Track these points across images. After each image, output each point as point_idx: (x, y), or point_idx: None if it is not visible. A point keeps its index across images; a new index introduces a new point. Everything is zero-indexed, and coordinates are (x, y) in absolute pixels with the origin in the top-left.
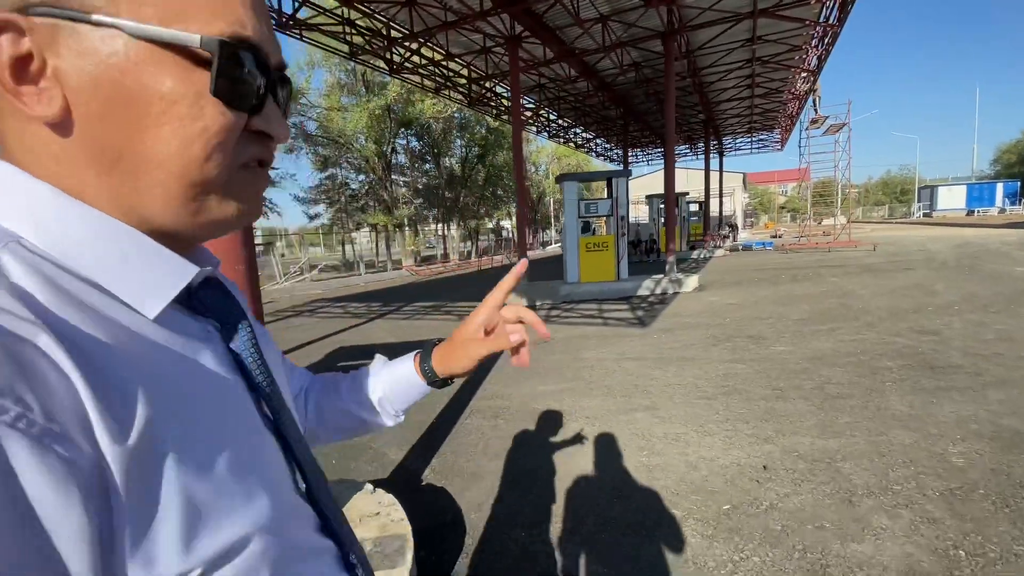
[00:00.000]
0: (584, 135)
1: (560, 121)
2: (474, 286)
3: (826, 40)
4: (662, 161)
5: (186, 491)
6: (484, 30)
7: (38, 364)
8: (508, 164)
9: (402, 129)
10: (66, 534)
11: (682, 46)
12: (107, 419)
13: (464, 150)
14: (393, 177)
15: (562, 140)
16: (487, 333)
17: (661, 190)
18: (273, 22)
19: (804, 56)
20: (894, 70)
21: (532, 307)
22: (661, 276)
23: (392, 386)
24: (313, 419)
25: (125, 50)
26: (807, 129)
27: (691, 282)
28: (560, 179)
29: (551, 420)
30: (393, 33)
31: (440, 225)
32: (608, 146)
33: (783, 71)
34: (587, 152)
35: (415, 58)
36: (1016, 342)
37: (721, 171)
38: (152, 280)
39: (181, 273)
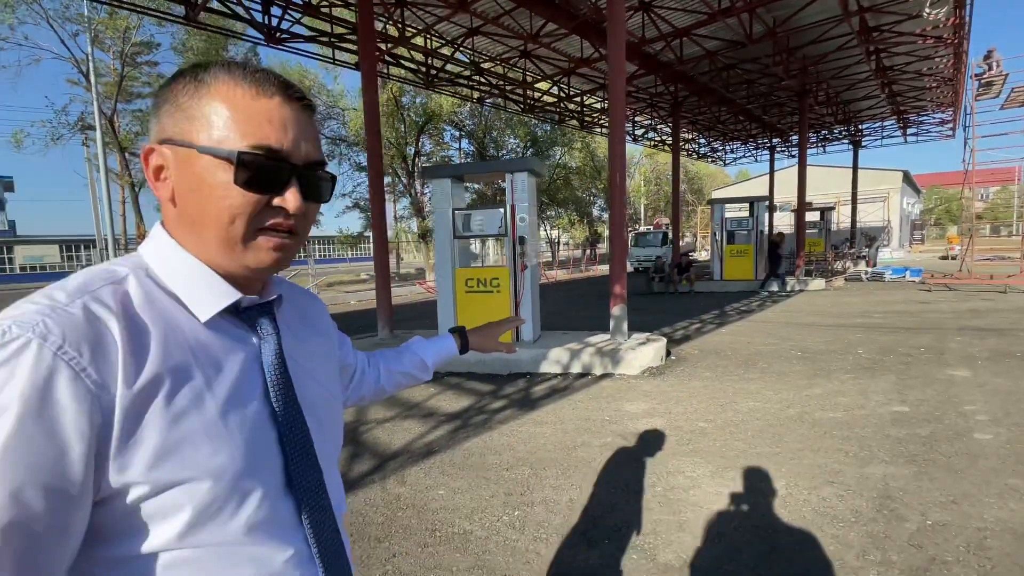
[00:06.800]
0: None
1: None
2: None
3: None
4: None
5: (160, 431)
6: None
7: (104, 336)
8: (582, 164)
9: (429, 126)
10: (73, 428)
11: None
12: (127, 372)
13: (521, 150)
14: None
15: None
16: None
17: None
18: None
19: None
20: None
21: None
22: (604, 338)
23: (439, 354)
24: (384, 379)
25: (198, 160)
26: (976, 98)
27: (643, 356)
28: (426, 173)
29: None
30: None
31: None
32: (704, 141)
33: None
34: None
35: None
36: None
37: (855, 167)
38: (208, 299)
39: (228, 296)
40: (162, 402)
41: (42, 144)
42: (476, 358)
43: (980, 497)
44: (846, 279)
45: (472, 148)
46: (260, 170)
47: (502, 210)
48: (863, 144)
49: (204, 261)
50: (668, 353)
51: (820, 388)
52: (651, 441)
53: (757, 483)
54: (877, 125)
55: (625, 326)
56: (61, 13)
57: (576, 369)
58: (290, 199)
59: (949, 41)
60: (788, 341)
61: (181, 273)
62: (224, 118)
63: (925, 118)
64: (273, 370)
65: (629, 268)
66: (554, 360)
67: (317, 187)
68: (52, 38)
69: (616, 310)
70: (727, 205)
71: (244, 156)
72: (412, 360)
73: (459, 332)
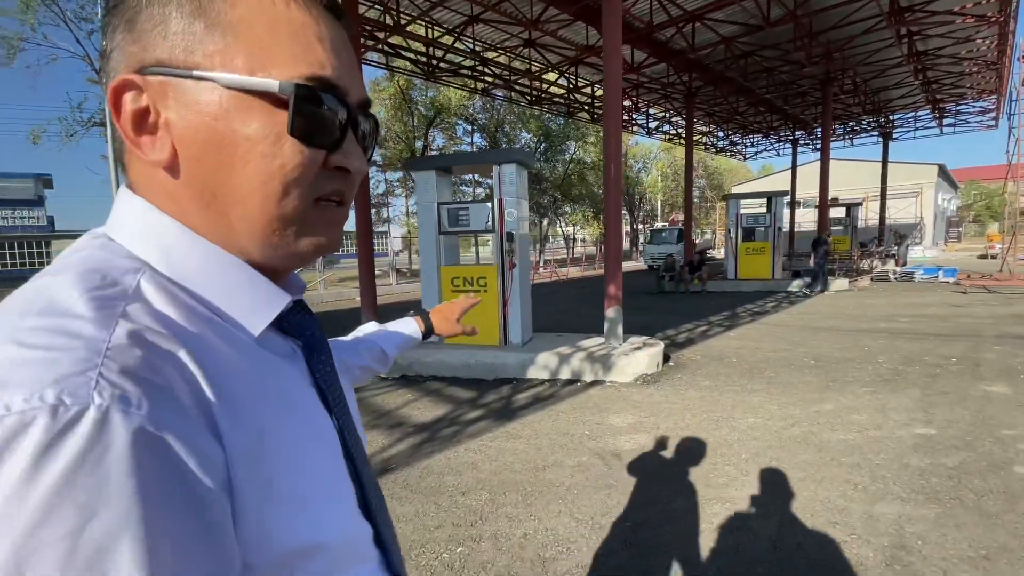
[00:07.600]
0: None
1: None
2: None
3: None
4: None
5: (281, 487)
6: None
7: (176, 376)
8: (597, 159)
9: (440, 120)
10: (214, 516)
11: None
12: (222, 417)
13: (534, 144)
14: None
15: (663, 135)
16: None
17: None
18: None
19: None
20: None
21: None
22: (597, 341)
23: (401, 347)
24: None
25: (219, 99)
26: (1022, 84)
27: (637, 362)
28: (410, 164)
29: None
30: None
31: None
32: (722, 134)
33: None
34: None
35: None
36: None
37: (885, 160)
38: (255, 304)
39: (277, 299)
40: (271, 449)
41: (57, 140)
42: (462, 362)
43: (1021, 552)
44: (872, 279)
45: (484, 143)
46: (319, 114)
47: (489, 204)
48: (894, 136)
49: (230, 249)
50: (667, 359)
51: (832, 403)
52: (630, 463)
53: (744, 521)
54: (910, 115)
55: (620, 329)
56: (78, 13)
57: (565, 375)
58: (354, 155)
59: (993, 20)
60: (801, 347)
61: (207, 272)
62: (259, 33)
63: (964, 107)
64: (332, 388)
65: (643, 265)
66: (542, 365)
67: (367, 136)
68: (68, 37)
69: (610, 312)
70: (743, 201)
71: (302, 91)
72: (371, 351)
73: (423, 317)
